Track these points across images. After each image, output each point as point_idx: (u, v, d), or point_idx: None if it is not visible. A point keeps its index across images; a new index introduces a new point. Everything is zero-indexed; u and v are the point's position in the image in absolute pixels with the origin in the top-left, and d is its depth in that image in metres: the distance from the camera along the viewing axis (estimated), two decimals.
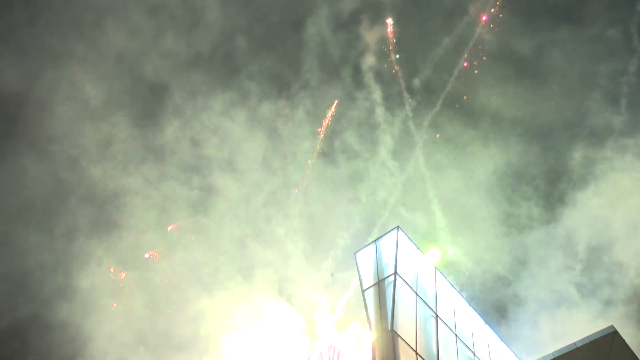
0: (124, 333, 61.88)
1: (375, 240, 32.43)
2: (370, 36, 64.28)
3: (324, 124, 65.90)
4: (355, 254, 32.66)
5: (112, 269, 64.20)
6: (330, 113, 65.83)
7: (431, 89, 63.77)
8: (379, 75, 64.69)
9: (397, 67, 63.78)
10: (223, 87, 68.65)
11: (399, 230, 31.74)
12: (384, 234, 32.47)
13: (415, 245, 32.77)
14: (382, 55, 64.34)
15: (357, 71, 65.71)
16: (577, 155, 60.25)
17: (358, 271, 31.67)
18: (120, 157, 66.75)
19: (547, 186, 63.47)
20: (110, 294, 63.90)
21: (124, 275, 64.82)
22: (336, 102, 65.85)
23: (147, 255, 66.03)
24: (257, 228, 67.65)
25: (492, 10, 59.34)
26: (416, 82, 63.79)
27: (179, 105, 68.42)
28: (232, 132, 68.25)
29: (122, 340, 60.84)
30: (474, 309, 35.08)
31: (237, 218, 67.83)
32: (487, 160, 64.62)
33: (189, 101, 68.84)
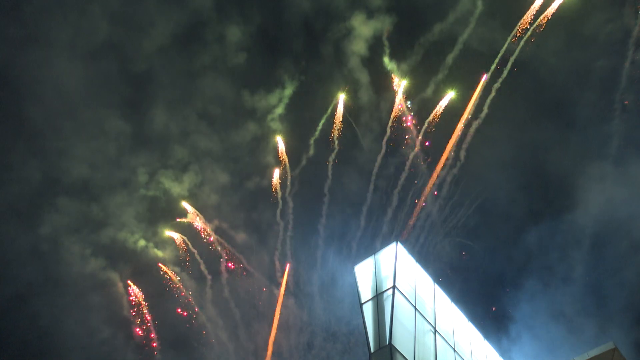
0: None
1: (374, 254, 32.29)
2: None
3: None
4: (353, 267, 32.53)
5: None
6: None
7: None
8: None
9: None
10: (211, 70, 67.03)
11: (398, 243, 31.63)
12: (383, 247, 32.34)
13: (414, 258, 32.65)
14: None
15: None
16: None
17: (356, 284, 31.49)
18: (108, 148, 65.35)
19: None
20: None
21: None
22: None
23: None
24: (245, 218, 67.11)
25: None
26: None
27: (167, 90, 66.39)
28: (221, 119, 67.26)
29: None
30: (473, 324, 34.88)
31: (222, 210, 67.15)
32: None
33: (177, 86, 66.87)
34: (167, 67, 67.76)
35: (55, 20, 62.03)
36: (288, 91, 67.04)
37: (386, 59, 63.41)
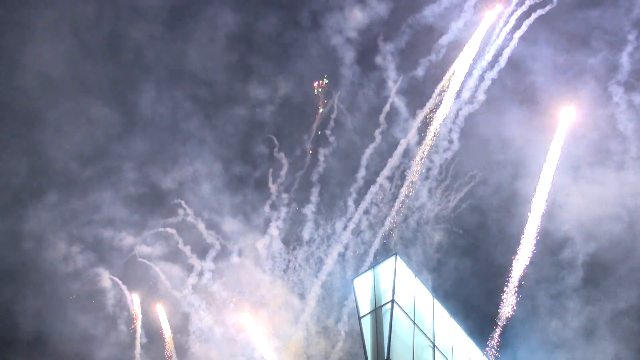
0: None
1: (373, 267, 32.25)
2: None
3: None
4: (352, 280, 32.45)
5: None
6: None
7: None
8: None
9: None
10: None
11: (397, 257, 31.55)
12: (382, 261, 32.29)
13: (413, 272, 32.56)
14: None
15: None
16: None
17: (355, 298, 31.43)
18: (94, 138, 63.81)
19: None
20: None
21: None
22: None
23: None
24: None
25: None
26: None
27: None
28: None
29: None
30: (472, 339, 34.66)
31: (213, 200, 66.28)
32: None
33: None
34: (155, 51, 65.94)
35: (37, 0, 59.87)
36: (280, 79, 66.56)
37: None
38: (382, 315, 29.31)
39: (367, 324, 29.73)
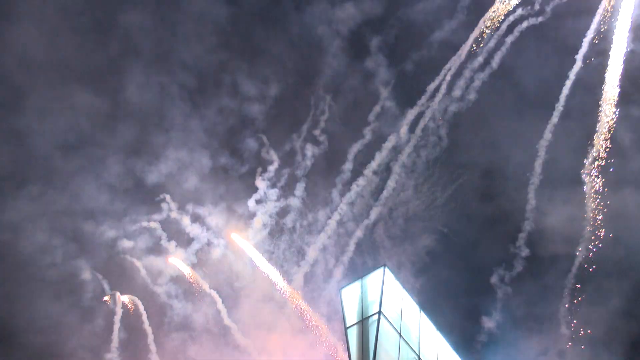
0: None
1: (361, 277, 32.01)
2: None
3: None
4: (340, 290, 32.21)
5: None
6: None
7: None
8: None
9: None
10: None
11: (386, 268, 31.37)
12: (371, 272, 32.07)
13: (401, 284, 32.42)
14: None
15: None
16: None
17: (342, 308, 31.20)
18: (77, 128, 61.57)
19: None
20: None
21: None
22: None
23: None
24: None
25: None
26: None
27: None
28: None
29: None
30: (457, 353, 34.76)
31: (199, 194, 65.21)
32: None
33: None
34: (143, 34, 63.28)
35: None
36: (270, 74, 65.41)
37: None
38: (368, 326, 29.18)
39: (353, 335, 29.61)
